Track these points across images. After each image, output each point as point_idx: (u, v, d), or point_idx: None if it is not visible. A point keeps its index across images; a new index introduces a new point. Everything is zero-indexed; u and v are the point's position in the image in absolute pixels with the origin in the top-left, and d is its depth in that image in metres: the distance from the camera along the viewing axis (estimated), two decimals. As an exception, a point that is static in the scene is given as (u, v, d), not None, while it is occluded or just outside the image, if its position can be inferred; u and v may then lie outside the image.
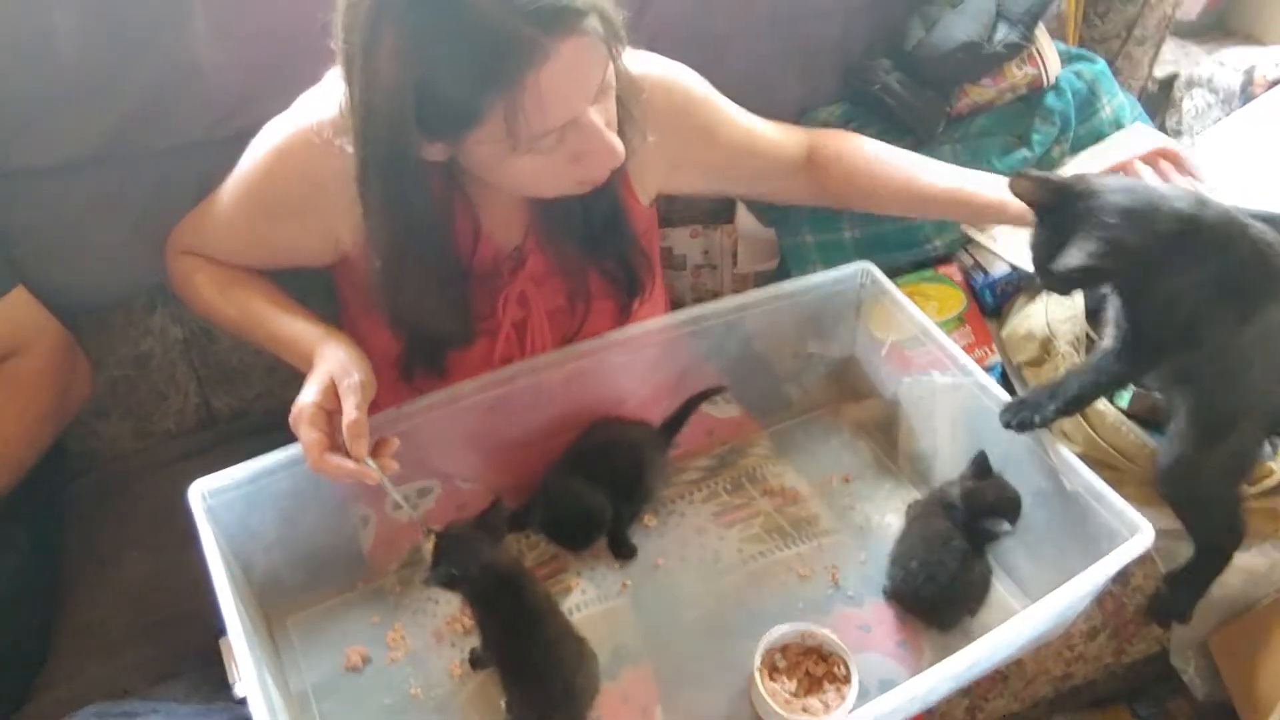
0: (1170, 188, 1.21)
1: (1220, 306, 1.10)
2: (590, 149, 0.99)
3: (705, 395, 1.37)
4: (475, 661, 1.13)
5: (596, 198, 1.12)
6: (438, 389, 1.18)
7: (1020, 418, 1.18)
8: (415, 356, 1.19)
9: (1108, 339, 1.19)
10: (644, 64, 1.17)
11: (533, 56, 0.88)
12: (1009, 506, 1.18)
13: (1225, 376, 1.16)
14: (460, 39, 0.88)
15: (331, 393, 1.03)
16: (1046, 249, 1.09)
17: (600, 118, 0.98)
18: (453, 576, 1.04)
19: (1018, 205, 1.12)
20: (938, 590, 1.16)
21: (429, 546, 1.05)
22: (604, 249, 1.21)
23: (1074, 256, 1.04)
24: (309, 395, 1.02)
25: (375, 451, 1.03)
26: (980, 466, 1.22)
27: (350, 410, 1.00)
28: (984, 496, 1.18)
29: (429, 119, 0.93)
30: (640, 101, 1.11)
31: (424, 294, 1.11)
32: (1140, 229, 1.04)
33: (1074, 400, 1.18)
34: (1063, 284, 1.15)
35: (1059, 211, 1.08)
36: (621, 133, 1.03)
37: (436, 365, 1.20)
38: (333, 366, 1.05)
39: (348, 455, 1.00)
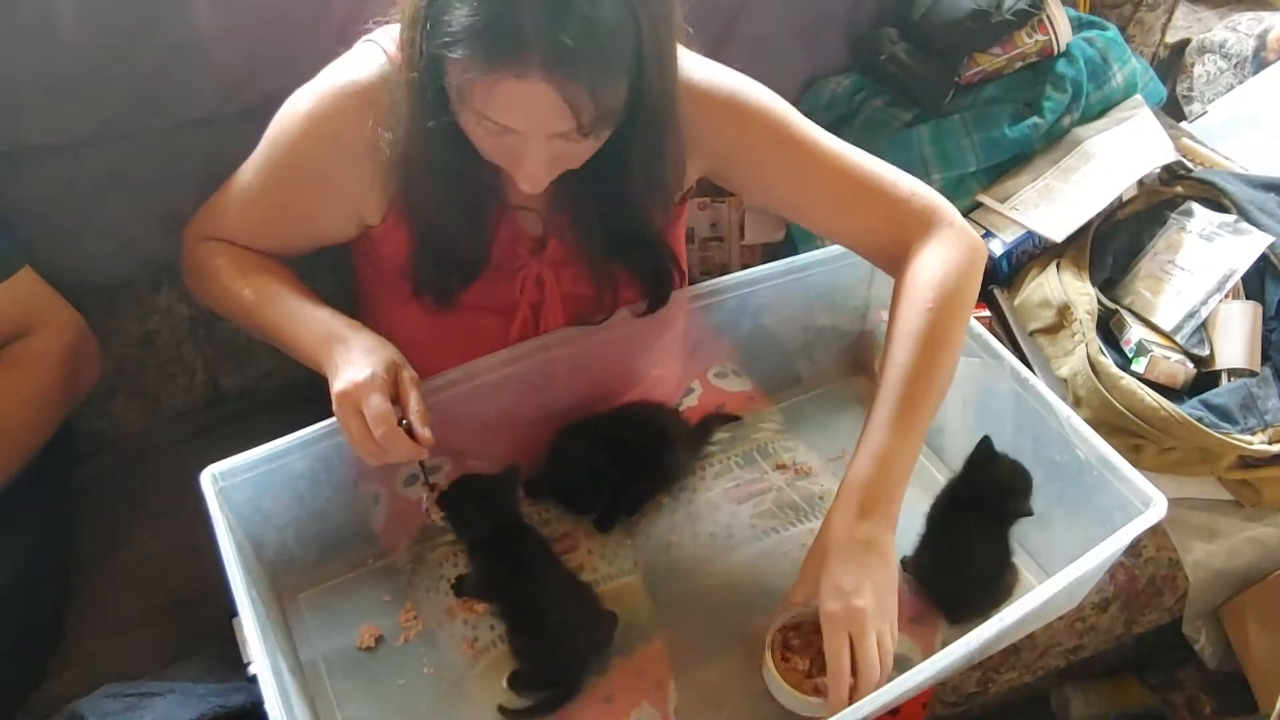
0: None
1: None
2: (518, 166, 1.00)
3: (726, 419, 1.39)
4: (459, 588, 1.15)
5: (615, 205, 1.12)
6: (452, 368, 1.17)
7: None
8: (429, 273, 1.17)
9: None
10: (710, 75, 1.16)
11: (510, 65, 0.88)
12: (1023, 484, 1.17)
13: None
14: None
15: (393, 375, 1.06)
16: None
17: (542, 150, 0.97)
18: (456, 515, 1.13)
19: None
20: (960, 590, 1.16)
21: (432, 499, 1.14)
22: (625, 250, 1.20)
23: None
24: (374, 369, 1.03)
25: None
26: (985, 450, 1.19)
27: (417, 399, 1.05)
28: (999, 476, 1.17)
29: (433, 27, 0.92)
30: (693, 108, 1.11)
31: (445, 200, 1.10)
32: None
33: None
34: None
35: None
36: (622, 155, 1.04)
37: (447, 288, 1.19)
38: (392, 354, 1.07)
39: None
